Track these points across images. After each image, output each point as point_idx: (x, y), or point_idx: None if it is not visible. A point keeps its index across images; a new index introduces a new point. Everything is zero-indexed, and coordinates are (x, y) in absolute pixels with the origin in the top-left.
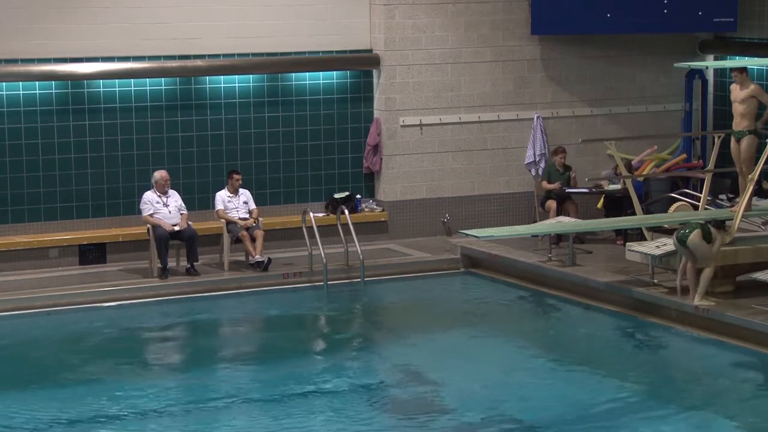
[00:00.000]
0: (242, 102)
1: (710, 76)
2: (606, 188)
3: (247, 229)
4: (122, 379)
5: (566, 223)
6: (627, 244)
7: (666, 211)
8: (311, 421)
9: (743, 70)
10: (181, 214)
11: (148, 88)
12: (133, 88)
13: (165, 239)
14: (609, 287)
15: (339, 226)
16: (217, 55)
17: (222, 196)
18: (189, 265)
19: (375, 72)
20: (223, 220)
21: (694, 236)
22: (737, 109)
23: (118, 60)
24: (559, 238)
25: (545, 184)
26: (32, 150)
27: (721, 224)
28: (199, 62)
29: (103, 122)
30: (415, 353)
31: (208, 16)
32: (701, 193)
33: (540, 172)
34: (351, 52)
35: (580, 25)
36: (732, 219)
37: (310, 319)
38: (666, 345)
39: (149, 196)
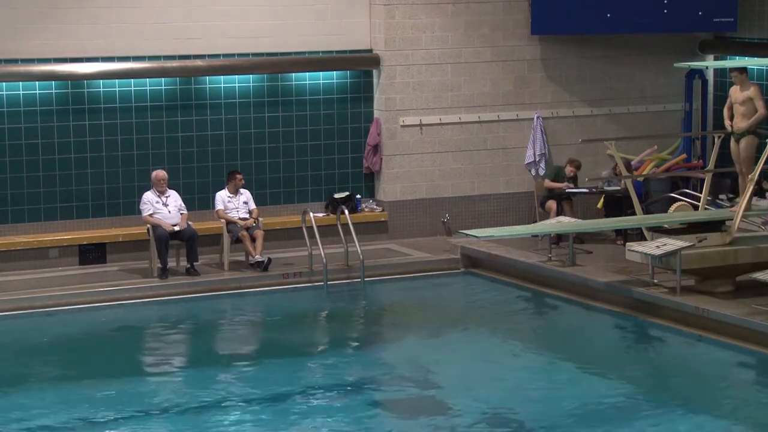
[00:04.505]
0: (242, 102)
1: (710, 76)
2: (604, 188)
3: (247, 229)
4: (122, 379)
5: (566, 223)
6: (627, 244)
7: (666, 211)
8: (311, 421)
9: (743, 70)
10: (181, 214)
11: (148, 88)
12: (133, 88)
13: (165, 239)
14: (609, 287)
15: (339, 226)
16: (217, 55)
17: (222, 196)
18: (189, 265)
19: (375, 72)
20: (223, 220)
21: None
22: (737, 110)
23: (118, 60)
24: (559, 238)
25: (548, 182)
26: (32, 150)
27: None
28: (199, 62)
29: (103, 122)
30: (415, 353)
31: (208, 16)
32: (701, 193)
33: (540, 172)
34: (351, 52)
35: (580, 25)
36: (732, 219)
37: (310, 319)
38: (666, 345)
39: (149, 196)
